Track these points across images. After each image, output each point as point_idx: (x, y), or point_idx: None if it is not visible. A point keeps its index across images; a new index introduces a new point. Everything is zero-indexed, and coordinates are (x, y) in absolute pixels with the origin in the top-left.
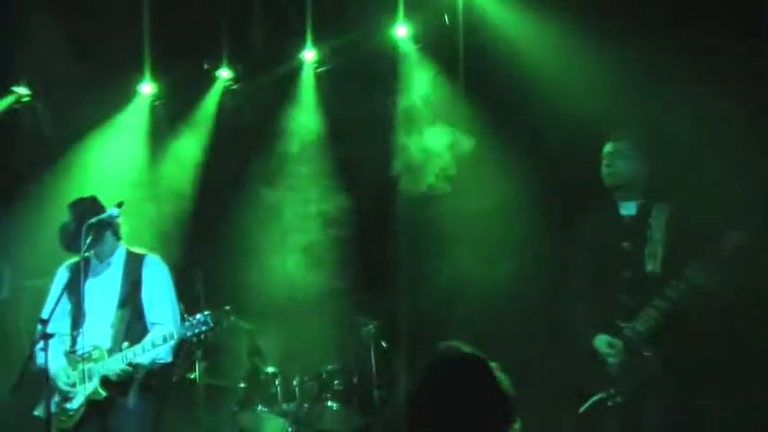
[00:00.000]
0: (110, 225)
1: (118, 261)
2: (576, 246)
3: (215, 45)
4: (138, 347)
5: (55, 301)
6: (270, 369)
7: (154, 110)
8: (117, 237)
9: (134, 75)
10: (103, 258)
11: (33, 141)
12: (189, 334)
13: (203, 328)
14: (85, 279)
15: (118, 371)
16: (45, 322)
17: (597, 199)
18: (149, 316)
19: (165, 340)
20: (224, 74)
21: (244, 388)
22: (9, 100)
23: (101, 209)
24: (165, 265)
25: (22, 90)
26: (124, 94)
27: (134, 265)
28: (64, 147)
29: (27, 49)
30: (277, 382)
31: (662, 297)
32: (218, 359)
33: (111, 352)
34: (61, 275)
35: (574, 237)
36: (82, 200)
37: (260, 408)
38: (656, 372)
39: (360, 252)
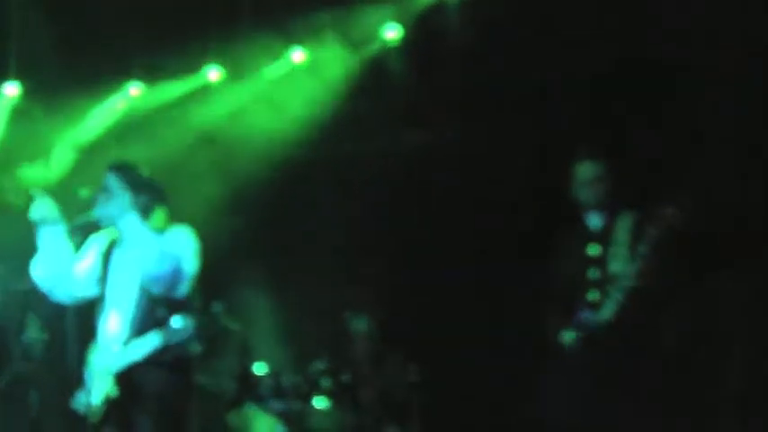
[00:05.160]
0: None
1: (143, 234)
2: (552, 261)
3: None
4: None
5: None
6: (259, 368)
7: None
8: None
9: None
10: (123, 227)
11: None
12: (172, 341)
13: (183, 336)
14: (111, 256)
15: (122, 366)
16: None
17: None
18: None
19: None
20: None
21: (234, 388)
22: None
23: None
24: (193, 239)
25: (13, 87)
26: None
27: (158, 239)
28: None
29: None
30: (267, 382)
31: (618, 288)
32: (208, 359)
33: (126, 343)
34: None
35: (552, 253)
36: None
37: (250, 407)
38: (618, 359)
39: None
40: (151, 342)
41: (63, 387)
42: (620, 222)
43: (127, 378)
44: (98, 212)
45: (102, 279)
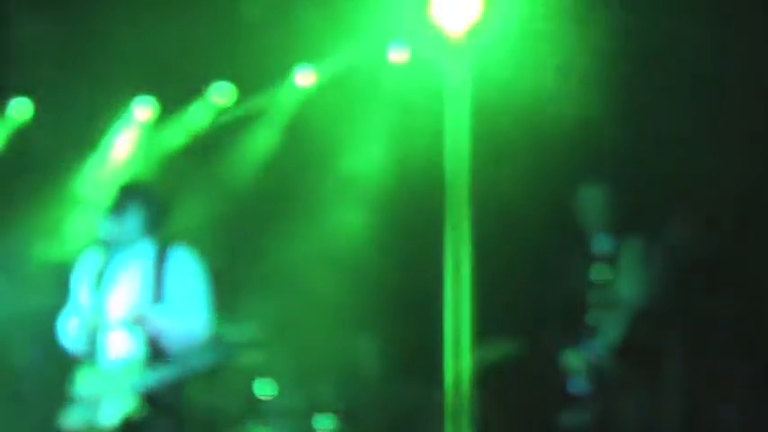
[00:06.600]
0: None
1: (146, 251)
2: (555, 281)
3: None
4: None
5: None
6: (263, 387)
7: None
8: (148, 229)
9: None
10: (127, 244)
11: None
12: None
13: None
14: (108, 269)
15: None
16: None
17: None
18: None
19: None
20: None
21: (236, 406)
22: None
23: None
24: (195, 257)
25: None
26: None
27: (160, 258)
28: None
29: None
30: (270, 401)
31: (623, 311)
32: (211, 376)
33: (145, 364)
34: (92, 260)
35: (555, 274)
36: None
37: (253, 426)
38: (617, 383)
39: None
40: (204, 359)
41: (64, 405)
42: (626, 246)
43: (149, 395)
44: (107, 231)
45: (99, 295)
